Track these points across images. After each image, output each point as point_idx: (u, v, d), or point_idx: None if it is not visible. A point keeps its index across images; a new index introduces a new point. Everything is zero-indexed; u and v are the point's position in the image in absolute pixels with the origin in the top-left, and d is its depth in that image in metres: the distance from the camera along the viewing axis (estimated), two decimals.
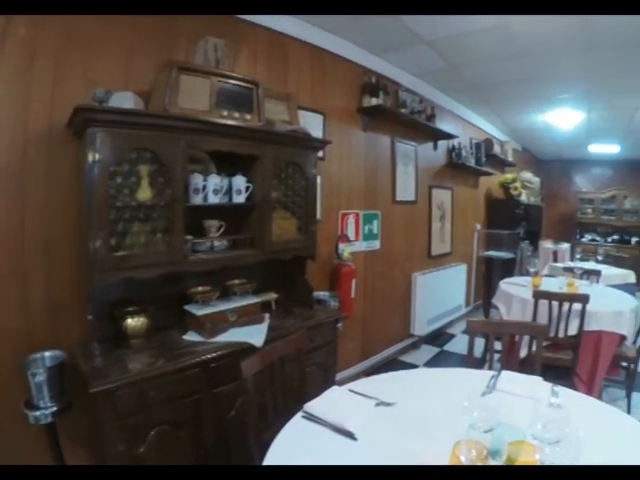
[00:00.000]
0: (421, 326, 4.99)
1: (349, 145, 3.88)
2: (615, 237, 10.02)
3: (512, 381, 1.85)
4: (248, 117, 2.47)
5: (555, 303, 3.25)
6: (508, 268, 6.48)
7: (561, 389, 1.78)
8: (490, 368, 2.30)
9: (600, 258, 6.74)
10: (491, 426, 1.25)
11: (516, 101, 5.70)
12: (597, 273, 4.87)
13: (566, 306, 3.21)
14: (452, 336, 5.53)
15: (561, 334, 3.26)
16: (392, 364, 4.47)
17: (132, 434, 1.79)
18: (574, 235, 10.33)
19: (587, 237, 10.34)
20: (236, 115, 2.40)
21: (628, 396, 3.48)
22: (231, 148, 2.36)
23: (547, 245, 8.54)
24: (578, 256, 7.79)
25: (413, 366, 4.44)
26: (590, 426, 1.39)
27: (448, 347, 5.14)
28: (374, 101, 3.90)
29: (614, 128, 6.93)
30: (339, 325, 3.04)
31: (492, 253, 6.75)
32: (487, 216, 7.31)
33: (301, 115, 3.17)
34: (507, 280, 4.43)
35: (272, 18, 3.05)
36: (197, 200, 2.29)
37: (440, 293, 5.36)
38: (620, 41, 3.42)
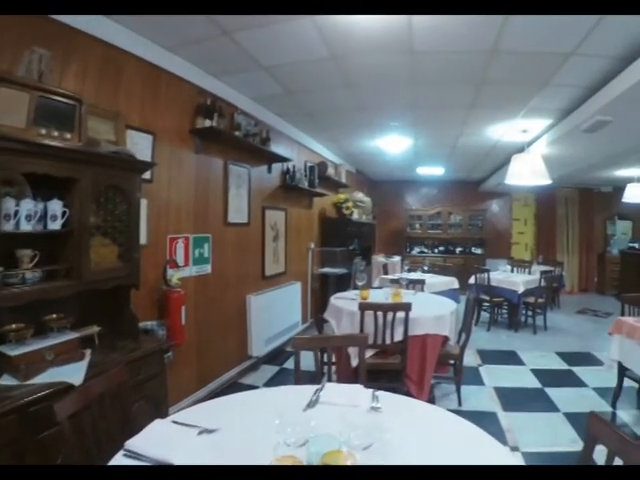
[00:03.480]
0: (259, 347, 5.22)
1: (180, 167, 3.95)
2: (441, 248, 11.91)
3: (335, 392, 2.04)
4: (68, 136, 2.40)
5: (380, 313, 3.64)
6: (343, 283, 7.18)
7: (382, 393, 2.00)
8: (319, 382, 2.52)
9: (426, 268, 7.65)
10: (306, 439, 1.34)
11: (350, 127, 6.34)
12: (421, 282, 5.66)
13: (390, 315, 3.63)
14: (292, 354, 5.74)
15: (388, 341, 3.69)
16: (232, 387, 4.60)
17: None
18: (404, 249, 11.87)
19: (416, 250, 12.00)
20: (55, 134, 2.33)
21: (458, 390, 4.15)
22: (47, 170, 2.28)
23: (379, 259, 9.59)
24: (406, 267, 8.90)
25: (253, 387, 4.60)
26: (405, 425, 1.67)
27: (288, 365, 5.42)
28: (207, 123, 4.03)
29: (439, 153, 8.15)
30: (169, 354, 3.10)
31: (327, 270, 7.42)
32: (321, 235, 7.88)
33: (130, 135, 3.20)
34: (338, 295, 4.79)
35: (108, 31, 3.02)
36: (8, 227, 2.19)
37: (276, 312, 5.66)
38: (441, 78, 4.14)
